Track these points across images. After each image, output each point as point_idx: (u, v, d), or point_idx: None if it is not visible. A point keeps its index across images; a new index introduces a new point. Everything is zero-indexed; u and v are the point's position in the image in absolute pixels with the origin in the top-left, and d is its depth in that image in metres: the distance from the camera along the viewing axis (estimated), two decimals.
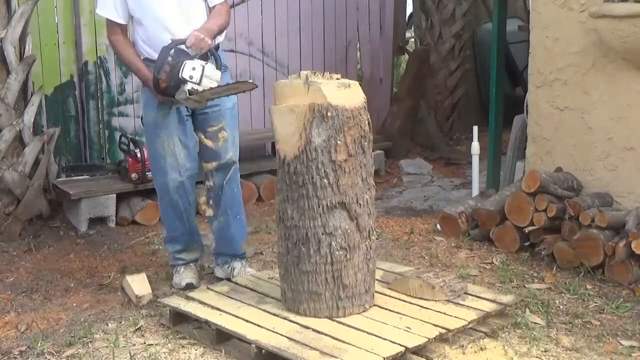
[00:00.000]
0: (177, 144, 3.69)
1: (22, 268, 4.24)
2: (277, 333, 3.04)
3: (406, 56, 8.63)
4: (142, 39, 3.67)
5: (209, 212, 3.89)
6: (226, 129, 3.76)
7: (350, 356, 2.85)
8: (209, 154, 3.78)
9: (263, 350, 2.93)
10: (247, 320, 3.16)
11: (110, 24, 3.69)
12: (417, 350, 2.97)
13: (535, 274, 4.02)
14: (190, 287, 3.75)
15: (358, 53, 7.10)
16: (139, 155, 5.06)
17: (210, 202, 3.87)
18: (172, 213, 3.82)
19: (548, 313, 3.48)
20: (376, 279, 3.41)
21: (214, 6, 3.69)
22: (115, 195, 5.03)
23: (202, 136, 3.76)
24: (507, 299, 3.44)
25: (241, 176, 5.51)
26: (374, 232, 3.30)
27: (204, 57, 3.49)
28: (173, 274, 3.92)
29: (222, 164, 3.79)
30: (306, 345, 2.92)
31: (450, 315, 3.20)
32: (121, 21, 3.66)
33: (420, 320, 3.14)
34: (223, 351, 3.12)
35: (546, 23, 4.44)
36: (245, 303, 3.36)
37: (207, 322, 3.19)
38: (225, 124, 3.76)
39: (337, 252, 3.14)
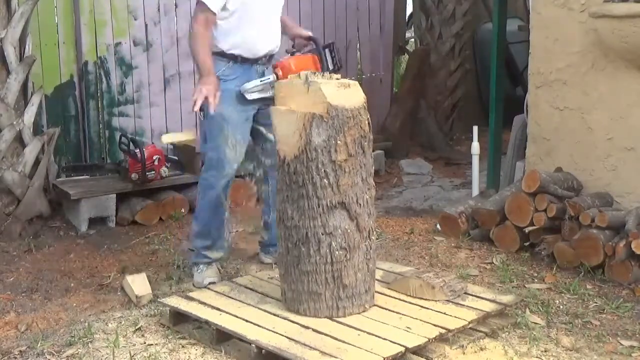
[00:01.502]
0: (238, 140, 3.77)
1: (22, 268, 4.24)
2: (277, 333, 3.04)
3: (406, 56, 8.62)
4: (226, 32, 3.68)
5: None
6: None
7: (350, 356, 2.85)
8: (273, 150, 3.62)
9: (263, 350, 2.93)
10: (247, 320, 3.16)
11: (203, 11, 3.63)
12: (417, 350, 2.97)
13: (535, 274, 4.02)
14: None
15: (358, 53, 7.10)
16: (139, 155, 5.05)
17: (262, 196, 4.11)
18: (214, 207, 3.83)
19: (548, 313, 3.48)
20: (376, 279, 3.41)
21: None
22: (115, 195, 5.02)
23: (266, 131, 3.83)
24: (507, 299, 3.44)
25: (241, 176, 5.56)
26: (374, 232, 3.30)
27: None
28: (194, 272, 3.91)
29: None
30: (306, 345, 2.92)
31: (450, 315, 3.20)
32: (217, 11, 3.63)
33: (420, 320, 3.15)
34: (223, 351, 3.12)
35: (546, 23, 4.44)
36: (245, 303, 3.36)
37: (207, 322, 3.19)
38: None
39: (337, 252, 3.14)
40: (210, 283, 3.74)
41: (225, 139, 3.73)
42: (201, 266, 3.89)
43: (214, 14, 3.62)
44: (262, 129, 3.87)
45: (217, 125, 3.74)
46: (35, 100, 4.80)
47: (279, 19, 3.86)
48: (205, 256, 3.90)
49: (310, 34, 3.89)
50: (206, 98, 3.56)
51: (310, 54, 3.79)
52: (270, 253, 4.13)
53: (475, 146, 5.11)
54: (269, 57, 3.84)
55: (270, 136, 3.65)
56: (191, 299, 3.41)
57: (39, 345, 3.24)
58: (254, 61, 3.77)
